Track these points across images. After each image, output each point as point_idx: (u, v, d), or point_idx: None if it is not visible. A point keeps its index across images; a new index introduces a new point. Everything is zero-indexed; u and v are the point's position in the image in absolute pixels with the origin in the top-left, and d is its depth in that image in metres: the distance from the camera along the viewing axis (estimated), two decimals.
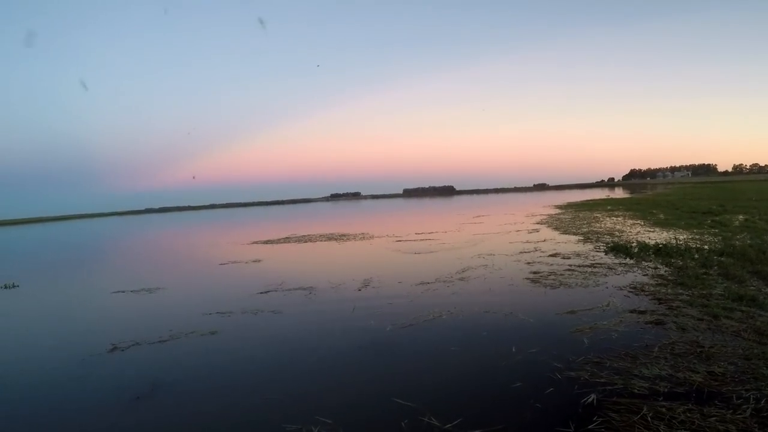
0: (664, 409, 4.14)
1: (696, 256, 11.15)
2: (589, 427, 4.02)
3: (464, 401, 4.75)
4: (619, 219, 24.62)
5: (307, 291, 10.84)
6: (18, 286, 14.69)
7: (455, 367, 5.80)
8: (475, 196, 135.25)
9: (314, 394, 5.27)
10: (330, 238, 24.58)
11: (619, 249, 13.31)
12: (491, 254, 14.56)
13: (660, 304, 7.54)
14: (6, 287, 14.42)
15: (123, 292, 12.47)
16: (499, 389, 4.97)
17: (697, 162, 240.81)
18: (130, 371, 6.50)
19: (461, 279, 10.93)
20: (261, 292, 11.04)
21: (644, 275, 9.85)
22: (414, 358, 6.19)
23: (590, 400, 4.46)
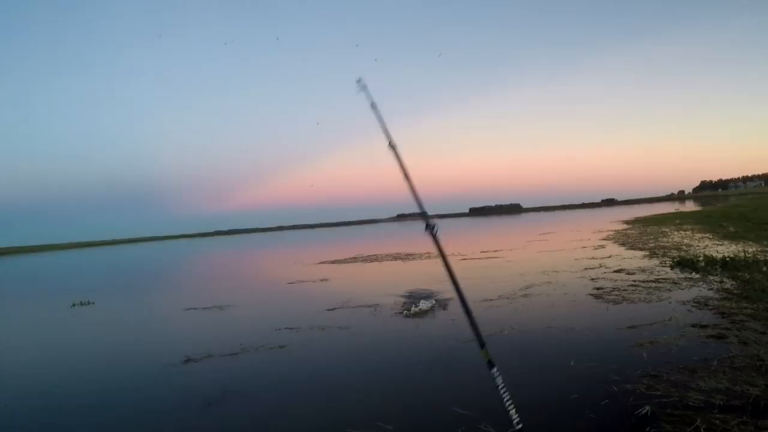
0: (717, 421, 4.07)
1: (764, 268, 10.60)
2: None
3: (521, 412, 4.83)
4: (687, 233, 23.53)
5: (372, 308, 11.05)
6: (93, 303, 15.34)
7: (514, 379, 5.83)
8: (542, 213, 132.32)
9: (376, 404, 5.47)
10: (396, 257, 24.78)
11: (685, 263, 12.83)
12: (555, 271, 14.35)
13: (723, 318, 7.27)
14: (81, 304, 15.12)
15: (195, 309, 12.95)
16: (555, 400, 5.00)
17: None
18: (202, 380, 6.87)
19: (524, 296, 10.88)
20: (328, 309, 11.31)
21: (709, 289, 9.48)
22: (474, 372, 6.27)
23: (645, 411, 4.43)
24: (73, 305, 15.09)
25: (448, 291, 11.93)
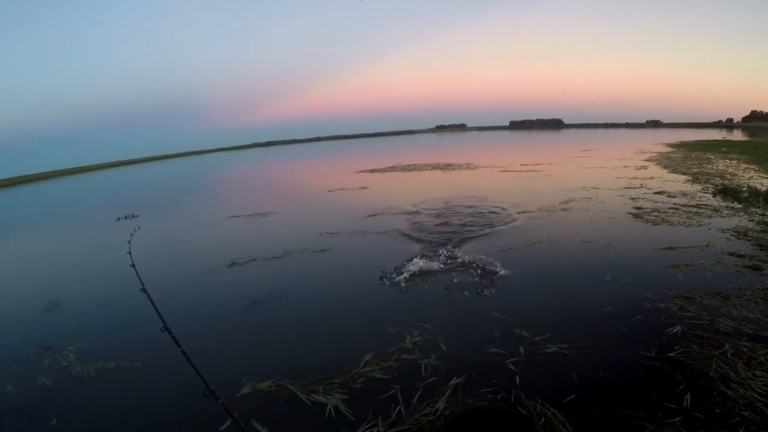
0: (745, 349, 4.09)
1: None
2: (670, 354, 4.08)
3: (555, 319, 4.95)
4: (732, 162, 22.41)
5: (411, 215, 11.13)
6: (137, 216, 15.31)
7: (550, 289, 5.96)
8: (583, 130, 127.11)
9: (415, 304, 5.66)
10: (435, 167, 24.54)
11: (727, 192, 12.35)
12: (596, 188, 14.06)
13: (761, 250, 7.06)
14: (126, 218, 15.09)
15: (237, 216, 13.07)
16: (589, 312, 5.10)
17: None
18: (248, 282, 7.11)
19: (564, 210, 10.79)
20: (368, 216, 11.44)
21: (750, 220, 9.17)
22: (512, 280, 6.39)
23: (675, 330, 4.49)
24: (118, 219, 15.00)
25: (487, 202, 11.93)
